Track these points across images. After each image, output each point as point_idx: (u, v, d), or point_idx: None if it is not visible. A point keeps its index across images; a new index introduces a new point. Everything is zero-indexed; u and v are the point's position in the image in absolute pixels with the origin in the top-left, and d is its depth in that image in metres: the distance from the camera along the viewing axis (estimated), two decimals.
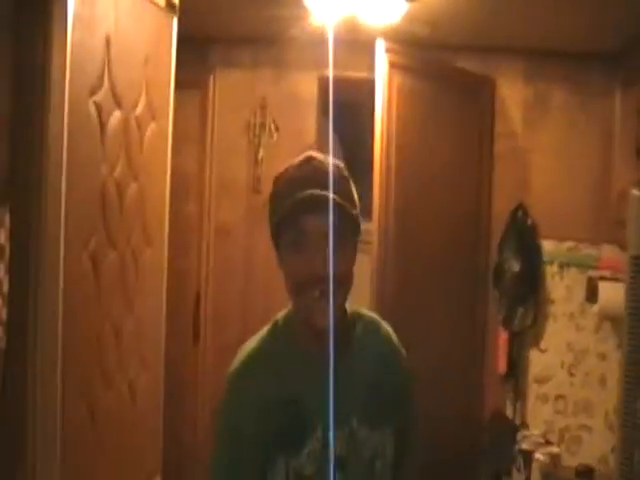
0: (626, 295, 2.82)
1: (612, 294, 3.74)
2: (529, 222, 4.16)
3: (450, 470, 3.85)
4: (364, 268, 3.54)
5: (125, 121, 2.81)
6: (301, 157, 1.80)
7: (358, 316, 1.95)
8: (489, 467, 4.02)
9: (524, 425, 4.12)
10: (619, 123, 4.07)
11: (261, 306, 3.95)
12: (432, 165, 3.90)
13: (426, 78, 3.83)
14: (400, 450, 1.92)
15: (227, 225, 4.31)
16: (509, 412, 4.21)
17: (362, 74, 3.89)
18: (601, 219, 4.12)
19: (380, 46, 3.52)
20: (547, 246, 4.20)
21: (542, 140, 4.24)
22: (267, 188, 1.83)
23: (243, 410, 1.79)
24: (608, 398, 4.01)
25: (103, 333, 2.71)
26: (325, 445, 1.78)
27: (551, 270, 4.21)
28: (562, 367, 4.20)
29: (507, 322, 4.15)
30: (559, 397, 4.20)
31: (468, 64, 4.16)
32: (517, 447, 3.81)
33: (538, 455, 3.70)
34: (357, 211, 1.80)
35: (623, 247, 3.11)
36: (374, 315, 2.02)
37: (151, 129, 3.02)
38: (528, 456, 3.73)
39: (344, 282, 1.74)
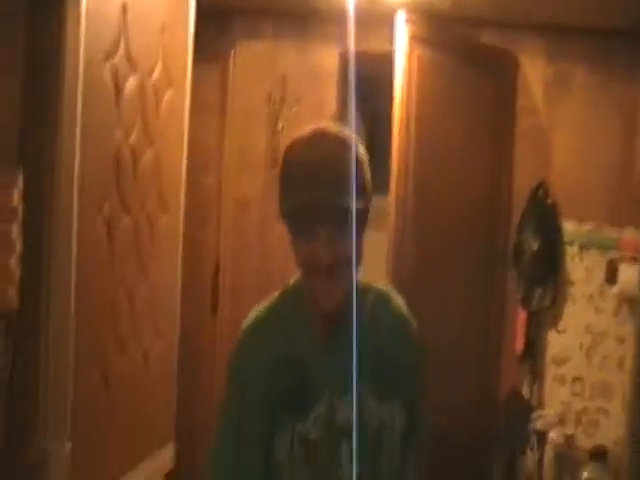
0: None
1: (632, 276, 3.70)
2: (550, 202, 4.11)
3: (465, 448, 3.84)
4: (383, 242, 3.53)
5: (141, 87, 2.81)
6: (311, 130, 1.76)
7: (369, 288, 1.93)
8: (504, 447, 4.00)
9: (540, 406, 4.09)
10: None
11: (279, 277, 3.90)
12: (452, 139, 3.86)
13: (447, 51, 3.79)
14: (410, 424, 1.91)
15: (246, 197, 4.31)
16: (526, 392, 4.18)
17: (384, 48, 3.86)
18: (622, 200, 4.07)
19: (401, 18, 3.49)
20: (567, 227, 4.15)
21: (564, 119, 4.19)
22: None
23: (251, 367, 1.79)
24: (626, 381, 3.96)
25: (117, 298, 2.72)
26: (331, 411, 1.77)
27: (571, 251, 4.17)
28: (580, 349, 4.15)
29: (525, 302, 4.11)
30: (576, 379, 4.16)
31: (490, 40, 4.11)
32: (531, 427, 3.79)
33: (552, 435, 3.67)
34: (369, 195, 1.77)
35: None
36: (385, 287, 2.00)
37: (168, 96, 3.02)
38: (542, 436, 3.71)
39: (351, 266, 1.72)
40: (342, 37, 4.07)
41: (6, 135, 2.34)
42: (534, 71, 4.20)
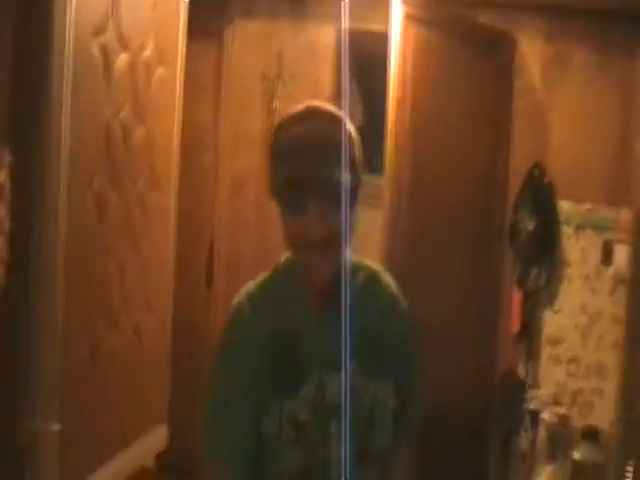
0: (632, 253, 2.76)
1: (628, 257, 3.68)
2: (546, 181, 4.10)
3: (460, 428, 3.85)
4: (378, 221, 3.53)
5: (132, 64, 2.81)
6: (303, 107, 1.76)
7: (359, 266, 1.93)
8: (500, 426, 4.01)
9: (535, 386, 4.09)
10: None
11: (274, 255, 3.94)
12: (448, 119, 3.85)
13: (443, 31, 3.77)
14: (400, 403, 1.91)
15: (242, 175, 4.31)
16: (521, 372, 4.19)
17: (382, 27, 3.84)
18: (620, 181, 4.06)
19: None
20: (564, 207, 4.14)
21: (561, 99, 4.17)
22: None
23: (241, 343, 1.80)
24: (621, 362, 3.96)
25: (107, 274, 2.72)
26: (320, 390, 1.78)
27: (567, 231, 4.16)
28: (576, 329, 4.15)
29: (521, 282, 4.11)
30: (572, 360, 4.16)
31: (487, 20, 4.08)
32: (525, 407, 3.79)
33: (545, 415, 3.67)
34: (359, 172, 1.77)
35: None
36: (375, 266, 2.00)
37: (159, 73, 3.02)
38: (536, 416, 3.71)
39: (341, 243, 1.72)
40: (338, 15, 3.98)
41: None
42: (532, 51, 4.18)
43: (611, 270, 3.87)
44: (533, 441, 3.68)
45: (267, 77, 4.26)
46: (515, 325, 4.15)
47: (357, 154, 1.77)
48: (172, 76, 3.15)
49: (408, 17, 3.52)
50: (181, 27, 3.23)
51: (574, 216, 4.14)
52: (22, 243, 2.34)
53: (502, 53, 4.17)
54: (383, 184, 3.50)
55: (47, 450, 2.35)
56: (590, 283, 4.13)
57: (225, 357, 1.85)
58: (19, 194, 2.31)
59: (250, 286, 1.87)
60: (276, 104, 4.23)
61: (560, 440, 3.67)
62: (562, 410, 3.78)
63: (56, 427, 2.38)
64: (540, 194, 4.10)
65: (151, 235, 3.02)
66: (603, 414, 4.02)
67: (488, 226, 4.19)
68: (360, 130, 1.81)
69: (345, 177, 1.66)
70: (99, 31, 2.58)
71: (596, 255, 4.09)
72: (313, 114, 1.73)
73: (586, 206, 4.11)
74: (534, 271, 4.08)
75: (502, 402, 4.05)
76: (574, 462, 3.28)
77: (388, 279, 1.98)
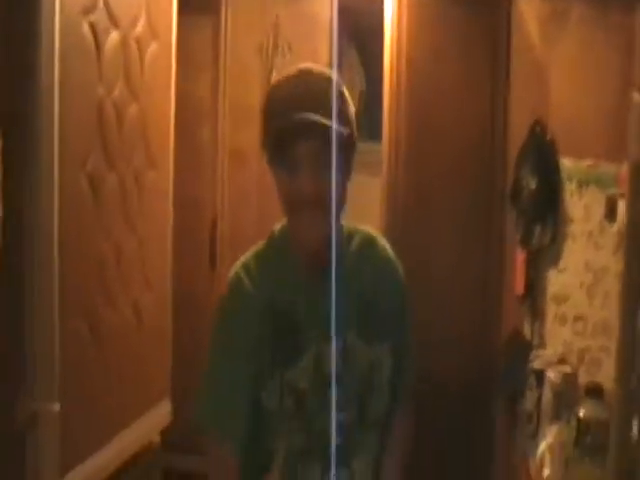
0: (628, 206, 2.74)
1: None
2: (548, 138, 4.06)
3: (466, 390, 3.87)
4: (377, 188, 3.53)
5: (123, 41, 2.81)
6: (295, 70, 1.78)
7: (354, 231, 1.95)
8: (505, 388, 4.01)
9: (542, 345, 4.09)
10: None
11: None
12: (445, 80, 3.85)
13: None
14: (397, 363, 1.93)
15: (242, 149, 4.30)
16: (527, 333, 4.18)
17: None
18: (621, 137, 4.02)
19: None
20: (566, 163, 4.10)
21: (560, 56, 4.12)
22: None
23: (240, 311, 1.82)
24: (621, 317, 3.94)
25: (103, 252, 2.74)
26: (319, 358, 1.79)
27: (570, 188, 4.13)
28: (581, 287, 4.13)
29: (525, 241, 4.08)
30: (578, 318, 4.14)
31: None
32: (530, 366, 3.79)
33: (549, 374, 3.66)
34: (352, 129, 1.78)
35: None
36: (370, 230, 2.02)
37: (152, 49, 3.01)
38: (540, 375, 3.71)
39: (337, 203, 1.73)
40: None
41: None
42: (530, 8, 4.13)
43: (615, 226, 3.84)
44: (538, 401, 3.68)
45: (264, 49, 4.24)
46: (519, 285, 4.14)
47: (350, 112, 1.79)
48: (165, 51, 3.15)
49: None
50: (174, 1, 3.21)
51: (576, 172, 4.09)
52: (15, 225, 2.35)
53: (498, 10, 4.13)
54: (381, 150, 3.51)
55: (47, 430, 2.37)
56: (594, 239, 4.09)
57: (224, 327, 1.87)
58: (10, 176, 2.32)
59: (246, 256, 1.90)
60: (274, 76, 4.21)
61: (566, 399, 3.67)
62: (567, 369, 3.77)
63: (56, 407, 2.39)
64: (542, 151, 4.06)
65: (147, 213, 3.03)
66: (611, 371, 4.02)
67: (489, 186, 4.19)
68: (362, 96, 1.84)
69: (337, 127, 1.67)
70: (88, 10, 2.58)
71: (599, 211, 4.04)
72: (306, 75, 1.77)
73: (587, 162, 4.08)
74: (537, 229, 4.05)
75: (508, 363, 4.04)
76: (579, 420, 3.27)
77: (384, 243, 2.00)
